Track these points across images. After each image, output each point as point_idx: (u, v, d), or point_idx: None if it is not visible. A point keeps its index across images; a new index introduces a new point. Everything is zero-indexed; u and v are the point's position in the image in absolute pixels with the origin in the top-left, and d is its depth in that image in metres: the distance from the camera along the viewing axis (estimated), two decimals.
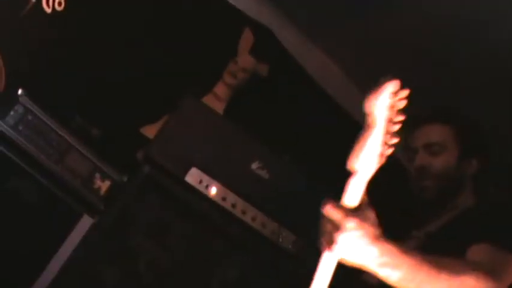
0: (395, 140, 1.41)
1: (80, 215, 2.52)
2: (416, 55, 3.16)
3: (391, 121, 1.39)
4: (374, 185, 1.48)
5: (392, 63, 3.29)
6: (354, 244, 1.43)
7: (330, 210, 1.43)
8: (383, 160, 1.42)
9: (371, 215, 1.46)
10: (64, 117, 2.62)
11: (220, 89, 3.14)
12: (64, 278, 2.39)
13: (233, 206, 2.51)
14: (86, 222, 2.51)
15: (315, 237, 2.42)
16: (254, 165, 2.59)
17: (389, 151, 1.42)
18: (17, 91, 2.50)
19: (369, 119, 1.39)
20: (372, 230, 1.44)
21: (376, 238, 1.45)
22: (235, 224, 2.54)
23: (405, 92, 1.39)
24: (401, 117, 1.40)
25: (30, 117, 2.51)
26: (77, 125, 2.70)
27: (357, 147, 1.41)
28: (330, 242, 1.44)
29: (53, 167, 2.52)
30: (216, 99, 3.09)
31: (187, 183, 2.49)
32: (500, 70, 2.96)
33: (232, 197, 2.52)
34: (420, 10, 2.93)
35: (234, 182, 2.55)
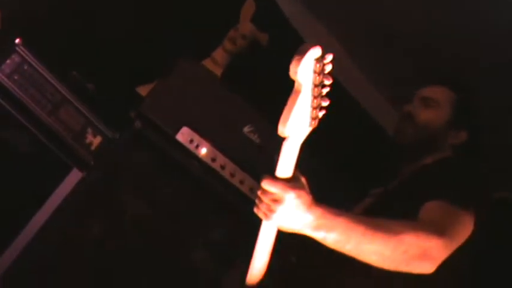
0: (326, 103, 1.44)
1: (69, 168, 2.53)
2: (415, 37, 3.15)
3: (319, 85, 1.41)
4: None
5: (390, 40, 3.30)
6: (292, 213, 1.51)
7: (268, 184, 1.50)
8: (316, 123, 1.46)
9: (304, 182, 1.54)
10: (61, 71, 2.62)
11: (219, 55, 3.13)
12: (49, 229, 2.40)
13: (222, 167, 2.52)
14: (75, 176, 2.51)
15: None
16: (246, 129, 2.59)
17: (321, 113, 1.45)
18: (14, 40, 2.50)
19: (295, 84, 1.41)
20: (307, 198, 1.52)
21: (311, 204, 1.52)
22: (222, 185, 2.55)
23: (330, 56, 1.41)
24: (329, 81, 1.42)
25: (26, 67, 2.51)
26: (73, 79, 2.70)
27: (284, 113, 1.43)
28: (269, 213, 1.52)
29: (46, 119, 2.53)
30: (214, 64, 3.08)
31: (178, 142, 2.49)
32: None
33: (221, 159, 2.53)
34: None
35: (225, 144, 2.56)
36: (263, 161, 2.55)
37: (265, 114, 2.69)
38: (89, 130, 2.59)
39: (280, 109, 2.76)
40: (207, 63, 3.08)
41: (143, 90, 2.86)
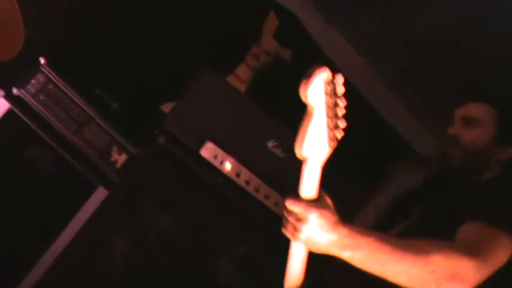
0: (343, 124, 1.43)
1: (94, 186, 2.54)
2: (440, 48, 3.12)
3: (333, 106, 1.41)
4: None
5: (415, 55, 3.27)
6: (317, 232, 1.50)
7: (291, 204, 1.51)
8: (335, 144, 1.45)
9: (329, 202, 1.54)
10: (85, 89, 2.64)
11: (242, 71, 3.14)
12: (75, 247, 2.41)
13: (247, 182, 2.51)
14: (100, 194, 2.53)
15: None
16: (270, 144, 2.58)
17: (339, 134, 1.44)
18: (39, 60, 2.53)
19: (308, 107, 1.41)
20: (332, 217, 1.50)
21: (336, 223, 1.51)
22: (247, 201, 2.53)
23: (340, 77, 1.40)
24: (343, 102, 1.42)
25: (51, 87, 2.55)
26: (97, 98, 2.72)
27: (299, 135, 1.44)
28: (295, 233, 1.52)
29: (71, 138, 2.56)
30: (238, 81, 3.09)
31: (202, 158, 2.49)
32: None
33: (246, 174, 2.52)
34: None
35: (249, 159, 2.55)
36: (287, 175, 2.53)
37: (289, 129, 2.67)
38: (114, 148, 2.60)
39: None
40: (231, 79, 3.09)
41: (167, 108, 2.87)
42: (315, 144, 1.43)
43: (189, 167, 2.49)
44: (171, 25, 3.16)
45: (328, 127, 1.42)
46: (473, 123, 2.14)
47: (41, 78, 2.53)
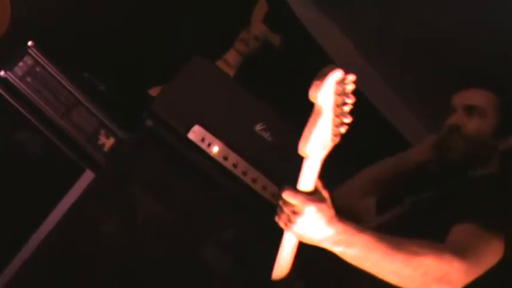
0: (348, 119, 1.41)
1: (82, 170, 2.54)
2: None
3: (341, 104, 1.39)
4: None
5: (403, 44, 3.26)
6: (312, 226, 1.49)
7: (289, 196, 1.49)
8: (338, 139, 1.44)
9: (326, 196, 1.52)
10: (73, 72, 2.63)
11: (231, 56, 3.14)
12: (62, 230, 2.40)
13: (234, 166, 2.51)
14: (88, 178, 2.52)
15: None
16: (258, 127, 2.58)
17: (343, 129, 1.43)
18: (27, 43, 2.52)
19: (316, 107, 1.39)
20: (328, 212, 1.50)
21: (332, 218, 1.50)
22: (235, 184, 2.54)
23: (352, 77, 1.38)
24: (351, 99, 1.39)
25: (38, 70, 2.54)
26: (85, 81, 2.71)
27: (305, 133, 1.42)
28: (289, 224, 1.52)
29: (59, 121, 2.54)
30: (226, 65, 3.09)
31: (190, 141, 2.49)
32: None
33: (233, 157, 2.52)
34: None
35: (237, 142, 2.55)
36: (275, 159, 2.54)
37: (277, 113, 2.68)
38: (102, 132, 2.60)
39: (292, 108, 2.75)
40: (220, 64, 3.09)
41: (154, 92, 2.86)
42: (319, 142, 1.42)
43: (176, 150, 2.49)
44: (161, 10, 3.15)
45: (334, 124, 1.41)
46: (476, 113, 2.08)
47: (28, 61, 2.51)
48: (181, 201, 2.53)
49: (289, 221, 1.51)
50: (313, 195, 1.49)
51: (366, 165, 2.42)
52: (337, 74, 1.35)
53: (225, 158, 2.50)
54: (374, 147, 3.37)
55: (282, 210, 1.53)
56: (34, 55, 2.52)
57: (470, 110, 2.10)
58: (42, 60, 2.53)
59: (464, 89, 2.17)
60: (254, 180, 2.52)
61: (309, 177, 1.49)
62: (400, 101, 3.72)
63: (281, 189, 1.51)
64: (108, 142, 2.59)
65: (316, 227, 1.50)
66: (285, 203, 1.51)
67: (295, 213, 1.49)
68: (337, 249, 1.53)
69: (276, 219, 1.56)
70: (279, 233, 2.37)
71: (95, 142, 2.58)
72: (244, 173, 2.52)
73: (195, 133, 2.48)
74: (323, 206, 1.49)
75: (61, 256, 2.38)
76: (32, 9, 2.76)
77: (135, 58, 3.01)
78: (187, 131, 2.47)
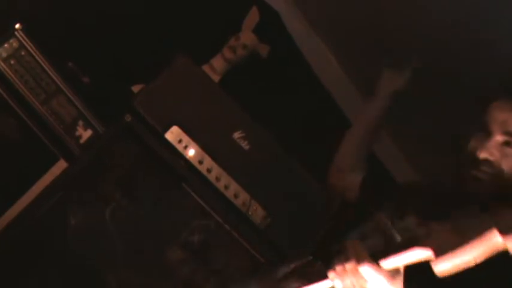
0: None
1: (56, 158, 2.52)
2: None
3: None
4: None
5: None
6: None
7: (370, 268, 1.44)
8: None
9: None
10: (58, 61, 2.62)
11: (218, 62, 3.14)
12: (29, 215, 2.38)
13: (208, 170, 2.50)
14: (61, 166, 2.51)
15: (283, 218, 2.45)
16: (236, 134, 2.57)
17: None
18: (14, 25, 2.51)
19: None
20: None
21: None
22: (207, 189, 2.53)
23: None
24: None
25: (23, 53, 2.52)
26: (69, 71, 2.70)
27: None
28: (337, 274, 1.48)
29: (38, 107, 2.53)
30: (212, 71, 3.09)
31: (166, 140, 2.48)
32: None
33: (209, 162, 2.51)
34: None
35: (213, 148, 2.54)
36: (250, 167, 2.54)
37: (256, 122, 2.68)
38: (80, 123, 2.59)
39: (271, 119, 2.75)
40: (206, 69, 3.09)
41: (137, 89, 2.86)
42: None
43: (152, 148, 2.48)
44: (152, 9, 3.15)
45: None
46: None
47: (14, 43, 2.50)
48: (150, 199, 2.52)
49: (340, 271, 1.46)
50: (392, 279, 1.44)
51: None
52: None
53: (200, 162, 2.49)
54: None
55: (343, 269, 1.46)
56: (20, 38, 2.51)
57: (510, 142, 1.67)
58: (28, 44, 2.52)
59: (499, 99, 1.73)
60: (226, 187, 2.52)
61: (398, 263, 1.43)
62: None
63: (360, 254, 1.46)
64: (85, 134, 2.58)
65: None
66: (345, 250, 1.47)
67: (358, 277, 1.44)
68: None
69: (329, 270, 1.50)
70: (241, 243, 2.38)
71: (72, 132, 2.57)
72: (218, 179, 2.51)
73: (173, 134, 2.47)
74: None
75: (25, 243, 2.35)
76: None
77: (123, 53, 3.00)
78: (166, 130, 2.46)
